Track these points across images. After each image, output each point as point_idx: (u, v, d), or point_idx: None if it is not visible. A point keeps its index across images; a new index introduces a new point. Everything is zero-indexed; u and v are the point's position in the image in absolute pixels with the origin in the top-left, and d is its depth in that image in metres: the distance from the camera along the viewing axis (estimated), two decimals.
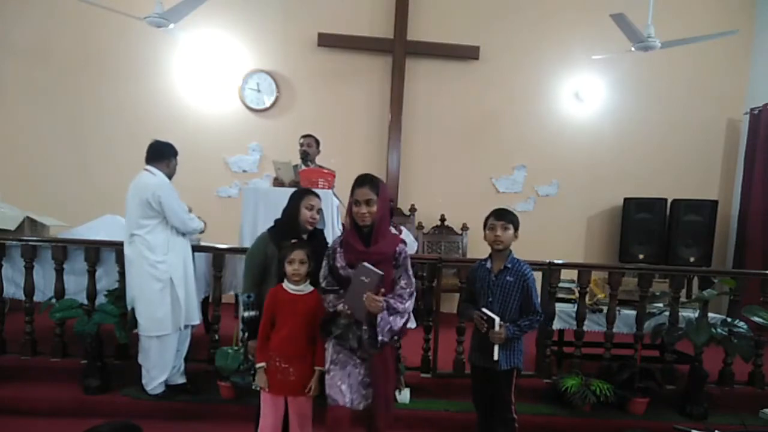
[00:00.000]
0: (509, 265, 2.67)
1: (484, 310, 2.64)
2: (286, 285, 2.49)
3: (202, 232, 3.60)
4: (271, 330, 2.49)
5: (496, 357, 2.59)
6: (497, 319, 2.57)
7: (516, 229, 2.69)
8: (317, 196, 2.75)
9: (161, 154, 3.41)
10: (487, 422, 2.82)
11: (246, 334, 2.62)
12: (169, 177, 3.43)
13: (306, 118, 5.85)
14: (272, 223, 2.76)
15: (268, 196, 3.81)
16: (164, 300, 3.31)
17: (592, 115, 6.27)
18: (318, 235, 2.78)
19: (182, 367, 3.52)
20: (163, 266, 3.31)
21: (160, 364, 3.38)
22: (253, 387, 2.56)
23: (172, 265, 3.34)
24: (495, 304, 2.67)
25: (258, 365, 2.48)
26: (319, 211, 2.74)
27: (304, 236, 2.67)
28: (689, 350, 3.79)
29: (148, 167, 3.39)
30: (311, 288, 2.50)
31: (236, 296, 3.90)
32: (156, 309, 3.31)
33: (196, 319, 3.55)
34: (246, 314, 2.60)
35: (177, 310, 3.36)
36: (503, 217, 2.69)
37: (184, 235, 3.44)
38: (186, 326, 3.48)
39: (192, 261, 3.54)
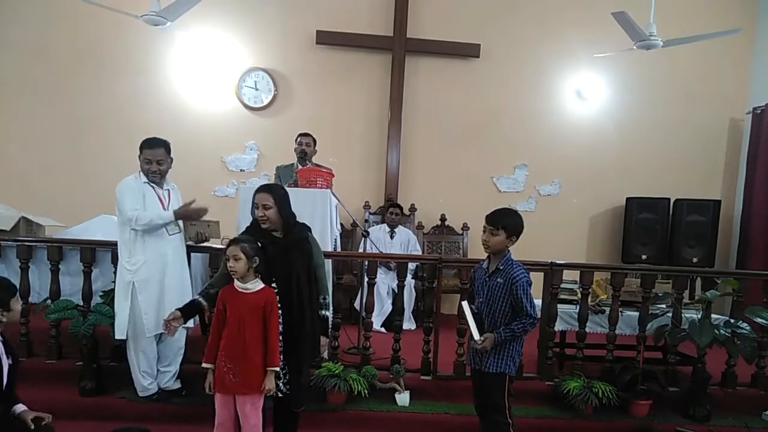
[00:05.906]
0: (501, 267, 2.62)
1: (471, 322, 2.60)
2: (236, 282, 2.45)
3: (173, 222, 3.27)
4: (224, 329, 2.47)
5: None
6: (476, 334, 2.55)
7: (510, 234, 2.59)
8: (265, 191, 2.62)
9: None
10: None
11: None
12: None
13: (304, 117, 5.80)
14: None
15: None
16: (123, 304, 3.21)
17: (594, 114, 6.22)
18: (296, 231, 2.68)
19: (177, 373, 3.45)
20: (129, 267, 3.19)
21: (139, 369, 3.30)
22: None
23: (138, 267, 3.18)
24: (483, 304, 2.66)
25: (204, 365, 2.46)
26: (266, 206, 2.57)
27: (277, 234, 2.62)
28: (692, 352, 3.76)
29: None
30: (260, 285, 2.45)
31: None
32: (118, 312, 3.24)
33: (154, 330, 3.24)
34: None
35: (138, 315, 3.19)
36: (494, 221, 2.62)
37: (173, 234, 3.29)
38: (158, 334, 3.26)
39: (181, 264, 3.37)
